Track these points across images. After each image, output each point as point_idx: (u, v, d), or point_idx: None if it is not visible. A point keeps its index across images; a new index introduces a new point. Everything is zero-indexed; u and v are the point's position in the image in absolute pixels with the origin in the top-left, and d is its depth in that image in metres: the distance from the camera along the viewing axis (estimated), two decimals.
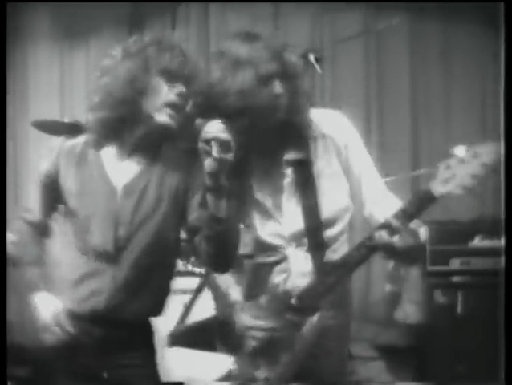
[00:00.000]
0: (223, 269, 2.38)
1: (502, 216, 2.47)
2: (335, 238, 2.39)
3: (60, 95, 5.71)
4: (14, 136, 5.62)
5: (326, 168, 2.38)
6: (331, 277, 2.24)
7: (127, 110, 2.23)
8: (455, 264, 4.11)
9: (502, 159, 2.27)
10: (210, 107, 2.18)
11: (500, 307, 2.41)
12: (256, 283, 2.44)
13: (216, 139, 2.06)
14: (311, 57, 4.40)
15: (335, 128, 2.40)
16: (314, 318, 2.25)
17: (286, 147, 2.36)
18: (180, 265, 4.01)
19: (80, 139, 2.39)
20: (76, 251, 2.28)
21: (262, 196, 2.40)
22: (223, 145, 2.06)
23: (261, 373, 2.28)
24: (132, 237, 2.27)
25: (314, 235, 2.32)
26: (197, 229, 2.25)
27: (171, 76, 2.22)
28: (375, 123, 5.65)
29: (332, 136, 2.38)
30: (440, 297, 3.91)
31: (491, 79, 5.28)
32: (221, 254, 2.23)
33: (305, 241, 2.34)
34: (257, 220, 2.41)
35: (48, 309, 2.25)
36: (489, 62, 5.22)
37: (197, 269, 4.03)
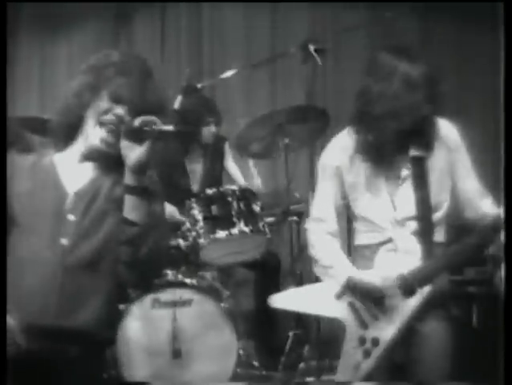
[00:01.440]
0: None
1: (502, 216, 2.53)
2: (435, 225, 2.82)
3: (40, 91, 5.49)
4: None
5: (436, 165, 2.81)
6: (437, 262, 2.70)
7: (72, 119, 2.34)
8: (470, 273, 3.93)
9: (502, 159, 2.46)
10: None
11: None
12: (360, 263, 2.84)
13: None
14: (311, 48, 4.24)
15: (449, 133, 2.85)
16: (412, 301, 2.67)
17: (412, 145, 2.80)
18: (169, 274, 3.97)
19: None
20: (21, 260, 2.25)
21: (378, 183, 2.83)
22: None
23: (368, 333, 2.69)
24: (78, 245, 2.26)
25: (425, 220, 2.75)
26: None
27: (117, 98, 2.29)
28: None
29: (446, 139, 2.83)
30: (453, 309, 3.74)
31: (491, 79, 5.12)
32: (135, 264, 2.24)
33: (413, 224, 2.77)
34: (367, 203, 2.84)
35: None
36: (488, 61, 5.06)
37: (187, 280, 3.96)
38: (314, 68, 4.29)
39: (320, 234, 2.96)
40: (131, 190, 2.20)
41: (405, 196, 2.81)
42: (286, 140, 4.32)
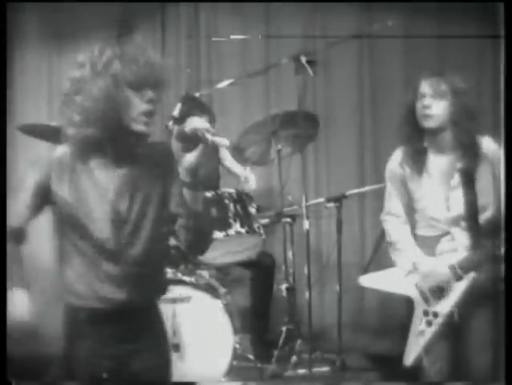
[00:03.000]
0: (199, 254, 2.77)
1: (502, 215, 2.80)
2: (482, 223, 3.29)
3: (48, 98, 5.56)
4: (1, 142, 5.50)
5: (481, 175, 3.25)
6: (479, 254, 3.21)
7: (105, 126, 2.34)
8: None
9: (502, 159, 2.88)
10: None
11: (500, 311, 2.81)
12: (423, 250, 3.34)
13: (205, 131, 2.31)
14: (303, 59, 4.38)
15: (490, 147, 3.24)
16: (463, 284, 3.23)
17: (460, 159, 3.26)
18: (169, 272, 4.08)
19: (66, 149, 2.46)
20: (78, 253, 2.42)
21: (433, 189, 3.30)
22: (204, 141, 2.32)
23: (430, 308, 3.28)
24: (130, 235, 2.42)
25: (472, 219, 3.24)
26: (176, 218, 2.48)
27: (139, 85, 2.34)
28: (369, 128, 5.59)
29: (488, 154, 3.23)
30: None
31: (490, 80, 5.23)
32: (197, 242, 2.52)
33: (463, 222, 3.25)
34: (427, 204, 3.32)
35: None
36: (488, 62, 5.24)
37: (186, 278, 4.09)
38: (305, 78, 4.48)
39: (394, 224, 3.46)
40: (187, 185, 2.40)
41: (456, 200, 3.26)
42: (279, 146, 4.52)
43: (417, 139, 3.31)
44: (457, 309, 3.22)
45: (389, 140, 5.53)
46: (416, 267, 3.31)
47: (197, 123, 2.32)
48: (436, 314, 3.26)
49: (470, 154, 3.23)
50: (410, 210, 3.43)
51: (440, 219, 3.30)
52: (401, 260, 3.39)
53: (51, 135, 4.11)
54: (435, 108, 3.20)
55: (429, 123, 3.22)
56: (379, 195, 5.09)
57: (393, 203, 3.47)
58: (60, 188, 2.41)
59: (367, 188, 4.76)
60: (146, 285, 2.46)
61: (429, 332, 3.26)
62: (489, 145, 3.25)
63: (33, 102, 5.50)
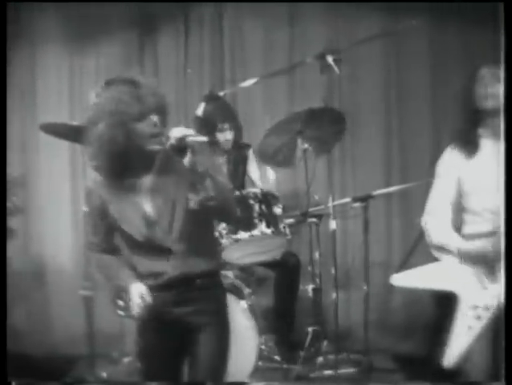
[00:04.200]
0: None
1: (502, 216, 2.82)
2: None
3: (70, 98, 5.60)
4: (23, 141, 5.54)
5: None
6: None
7: (123, 152, 2.76)
8: None
9: (503, 158, 2.86)
10: None
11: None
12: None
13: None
14: (329, 58, 4.36)
15: None
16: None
17: None
18: None
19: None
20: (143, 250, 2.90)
21: (484, 182, 3.27)
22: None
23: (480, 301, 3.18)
24: (173, 227, 2.86)
25: None
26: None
27: (142, 116, 2.76)
28: (395, 127, 5.55)
29: None
30: None
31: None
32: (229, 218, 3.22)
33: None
34: (479, 199, 3.29)
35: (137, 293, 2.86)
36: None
37: None
38: (330, 77, 4.46)
39: (436, 221, 3.38)
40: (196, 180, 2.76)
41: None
42: (306, 145, 4.47)
43: (473, 124, 3.32)
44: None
45: (416, 140, 5.59)
46: (461, 252, 3.25)
47: (176, 133, 2.71)
48: (487, 307, 3.18)
49: None
50: (458, 208, 3.39)
51: (492, 213, 3.25)
52: (446, 256, 3.32)
53: (72, 134, 4.16)
54: (495, 88, 3.20)
55: (489, 103, 3.24)
56: (406, 195, 5.13)
57: (441, 201, 3.40)
58: (113, 210, 2.89)
59: (393, 188, 4.73)
60: (195, 258, 2.86)
61: (478, 327, 3.17)
62: None
63: (54, 101, 5.56)
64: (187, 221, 2.86)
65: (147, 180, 2.88)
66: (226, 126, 4.76)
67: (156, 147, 2.78)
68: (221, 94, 4.83)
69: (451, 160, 3.40)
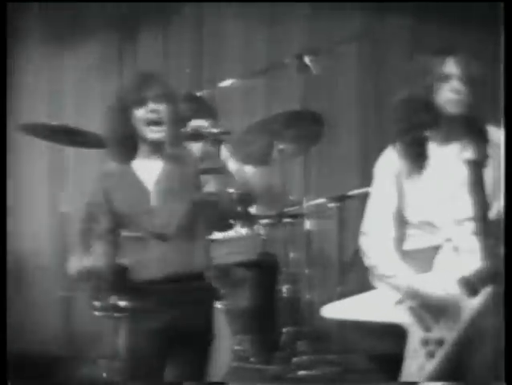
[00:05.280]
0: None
1: (502, 216, 2.68)
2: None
3: (49, 98, 5.61)
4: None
5: (490, 167, 2.82)
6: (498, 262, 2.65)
7: (126, 137, 2.89)
8: None
9: (502, 158, 2.69)
10: None
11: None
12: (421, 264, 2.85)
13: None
14: (306, 58, 4.37)
15: (497, 140, 2.83)
16: (479, 299, 2.72)
17: (467, 149, 2.87)
18: None
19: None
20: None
21: (436, 186, 2.87)
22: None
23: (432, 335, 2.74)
24: (173, 218, 2.87)
25: (483, 220, 2.77)
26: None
27: (140, 101, 2.84)
28: (372, 128, 5.56)
29: (497, 144, 2.82)
30: None
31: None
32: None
33: (472, 225, 2.79)
34: (427, 206, 2.87)
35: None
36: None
37: None
38: (308, 78, 4.46)
39: (378, 242, 2.95)
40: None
41: (464, 198, 2.82)
42: (281, 146, 4.48)
43: (421, 128, 2.90)
44: (469, 331, 2.71)
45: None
46: (411, 292, 2.79)
47: (193, 122, 3.15)
48: (440, 342, 2.74)
49: (481, 143, 2.84)
50: (400, 221, 2.94)
51: (443, 223, 2.84)
52: (387, 287, 2.87)
53: (51, 134, 4.15)
54: (463, 92, 2.82)
55: (456, 109, 2.83)
56: None
57: (380, 212, 2.97)
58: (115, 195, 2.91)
59: (370, 189, 4.71)
60: (188, 259, 2.89)
61: (431, 366, 2.73)
62: (497, 135, 2.85)
63: (34, 101, 5.54)
64: (186, 217, 2.87)
65: (154, 168, 2.90)
66: (207, 119, 4.78)
67: (156, 135, 2.83)
68: (200, 94, 4.84)
69: (391, 163, 2.98)
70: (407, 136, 2.95)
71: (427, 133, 2.90)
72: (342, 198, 4.54)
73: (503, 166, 2.69)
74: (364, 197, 5.34)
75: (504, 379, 2.47)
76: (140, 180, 2.91)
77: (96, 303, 4.13)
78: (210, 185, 2.99)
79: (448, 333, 2.73)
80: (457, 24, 5.40)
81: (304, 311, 4.64)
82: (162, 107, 2.83)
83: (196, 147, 2.95)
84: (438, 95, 2.84)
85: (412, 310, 2.79)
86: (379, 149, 5.42)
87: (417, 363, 2.75)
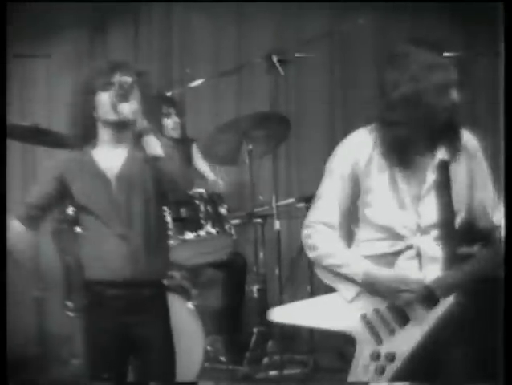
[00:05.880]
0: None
1: (503, 218, 2.57)
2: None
3: (20, 99, 5.53)
4: None
5: (458, 171, 2.64)
6: (462, 271, 2.52)
7: (86, 121, 2.83)
8: None
9: (502, 158, 2.50)
10: None
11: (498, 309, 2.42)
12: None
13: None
14: (274, 58, 4.38)
15: (469, 140, 2.68)
16: (439, 309, 2.50)
17: (438, 147, 2.62)
18: None
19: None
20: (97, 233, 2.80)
21: (400, 187, 2.62)
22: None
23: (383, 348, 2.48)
24: (134, 214, 2.79)
25: (448, 228, 2.58)
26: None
27: (108, 86, 2.77)
28: (340, 127, 5.58)
29: (467, 147, 2.66)
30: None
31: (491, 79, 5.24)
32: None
33: (435, 232, 2.59)
34: (387, 209, 2.63)
35: None
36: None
37: None
38: (277, 77, 4.47)
39: (324, 234, 2.68)
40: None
41: (430, 202, 2.60)
42: (250, 146, 4.48)
43: (394, 122, 2.58)
44: (427, 346, 2.47)
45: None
46: (368, 278, 2.54)
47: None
48: (391, 357, 2.47)
49: (452, 144, 2.61)
50: (350, 221, 2.72)
51: (405, 228, 2.60)
52: (339, 281, 2.62)
53: (22, 134, 4.10)
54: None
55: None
56: None
57: (328, 208, 2.69)
58: (73, 184, 2.81)
59: None
60: (147, 263, 2.78)
61: (381, 382, 2.45)
62: (468, 137, 2.67)
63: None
64: (146, 214, 2.79)
65: (117, 157, 2.82)
66: (172, 110, 4.81)
67: (113, 117, 2.74)
68: (169, 94, 4.84)
69: (350, 154, 2.72)
70: (392, 112, 2.60)
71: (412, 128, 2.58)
72: (311, 198, 4.53)
73: (503, 166, 2.54)
74: None
75: (503, 380, 2.34)
76: (100, 170, 2.82)
77: (69, 303, 4.13)
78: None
79: (400, 347, 2.47)
80: (457, 24, 5.51)
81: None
82: (131, 82, 2.75)
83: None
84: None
85: (363, 317, 2.55)
86: None
87: (365, 378, 2.48)
